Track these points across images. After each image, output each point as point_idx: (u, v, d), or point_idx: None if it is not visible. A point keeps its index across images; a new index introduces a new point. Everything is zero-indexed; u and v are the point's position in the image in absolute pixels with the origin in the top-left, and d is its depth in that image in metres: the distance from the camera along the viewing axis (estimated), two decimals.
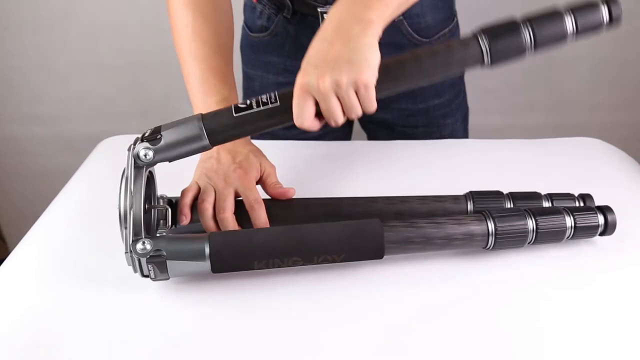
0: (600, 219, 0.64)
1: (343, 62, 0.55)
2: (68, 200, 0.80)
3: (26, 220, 0.86)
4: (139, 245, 0.56)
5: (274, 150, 0.82)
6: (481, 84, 1.06)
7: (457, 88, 1.04)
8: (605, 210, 0.65)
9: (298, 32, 0.91)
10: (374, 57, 0.56)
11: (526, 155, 0.83)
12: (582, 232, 0.64)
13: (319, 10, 0.85)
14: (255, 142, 0.78)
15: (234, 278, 0.63)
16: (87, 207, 0.76)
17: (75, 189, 0.82)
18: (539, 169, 0.76)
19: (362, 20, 0.56)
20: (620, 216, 0.65)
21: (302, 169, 0.84)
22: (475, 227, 0.62)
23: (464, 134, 1.10)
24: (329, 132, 1.04)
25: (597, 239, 0.67)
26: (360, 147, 0.92)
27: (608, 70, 1.58)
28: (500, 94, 1.60)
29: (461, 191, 0.70)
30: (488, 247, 0.63)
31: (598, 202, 0.70)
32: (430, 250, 0.62)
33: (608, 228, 0.65)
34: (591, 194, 0.71)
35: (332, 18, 0.58)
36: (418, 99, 0.99)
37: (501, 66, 0.60)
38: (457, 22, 1.00)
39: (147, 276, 0.58)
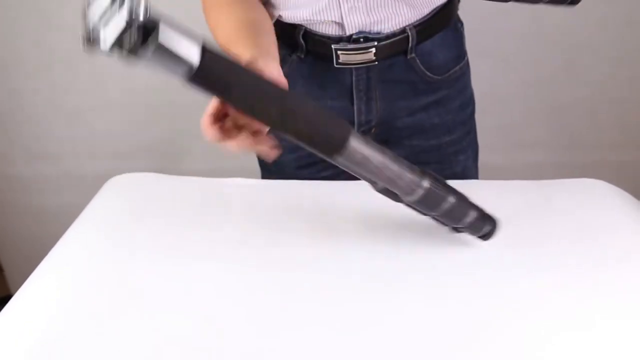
0: (487, 228, 0.72)
1: None
2: (75, 238, 0.80)
3: (30, 260, 0.85)
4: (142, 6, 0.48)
5: (283, 190, 0.83)
6: (483, 122, 1.07)
7: (469, 125, 1.05)
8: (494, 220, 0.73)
9: (311, 72, 0.92)
10: None
11: (530, 196, 0.83)
12: (471, 230, 0.72)
13: (333, 47, 0.87)
14: (265, 182, 0.80)
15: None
16: (95, 246, 0.77)
17: (82, 228, 0.82)
18: (544, 211, 0.77)
19: None
20: (624, 262, 0.65)
21: (310, 210, 0.85)
22: (414, 177, 0.66)
23: (476, 171, 1.11)
24: (340, 172, 1.06)
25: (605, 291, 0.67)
26: (369, 187, 0.93)
27: (611, 108, 1.56)
28: (502, 132, 1.59)
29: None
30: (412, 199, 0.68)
31: (601, 247, 0.71)
32: (373, 178, 0.67)
33: (489, 234, 0.73)
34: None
35: None
36: (430, 136, 1.00)
37: None
38: (467, 60, 1.02)
39: (118, 45, 0.49)
